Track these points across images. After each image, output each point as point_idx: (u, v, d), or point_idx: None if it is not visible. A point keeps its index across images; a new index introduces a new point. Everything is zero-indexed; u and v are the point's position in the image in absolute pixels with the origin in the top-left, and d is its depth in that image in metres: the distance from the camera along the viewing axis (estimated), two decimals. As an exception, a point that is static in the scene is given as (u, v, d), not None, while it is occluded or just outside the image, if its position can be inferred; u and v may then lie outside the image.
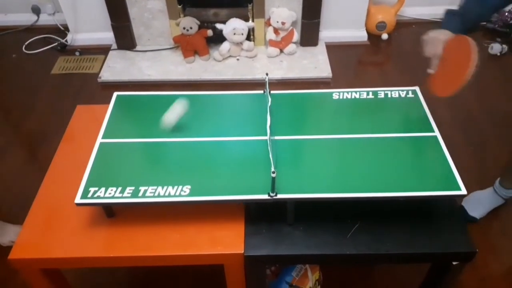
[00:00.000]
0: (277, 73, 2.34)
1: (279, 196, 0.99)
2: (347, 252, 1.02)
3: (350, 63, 2.49)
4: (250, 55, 2.44)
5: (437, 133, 1.15)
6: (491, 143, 1.95)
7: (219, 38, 2.39)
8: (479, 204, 1.64)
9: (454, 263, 1.06)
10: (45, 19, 2.72)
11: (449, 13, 1.19)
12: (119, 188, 1.01)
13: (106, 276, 1.48)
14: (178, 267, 1.06)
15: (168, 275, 1.46)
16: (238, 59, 2.44)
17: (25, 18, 2.71)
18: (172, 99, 1.28)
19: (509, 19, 2.57)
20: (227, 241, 1.03)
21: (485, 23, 2.63)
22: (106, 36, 2.51)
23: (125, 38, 2.48)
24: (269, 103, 1.10)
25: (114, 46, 2.53)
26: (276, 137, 1.12)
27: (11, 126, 2.12)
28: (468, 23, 1.16)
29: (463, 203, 1.66)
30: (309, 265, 1.31)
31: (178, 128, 1.17)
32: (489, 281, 1.46)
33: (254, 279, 1.10)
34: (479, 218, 1.63)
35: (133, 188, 1.01)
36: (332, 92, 1.29)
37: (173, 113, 1.15)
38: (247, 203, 1.08)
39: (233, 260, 1.03)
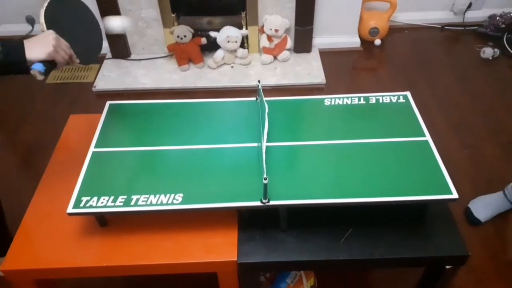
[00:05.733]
0: (271, 80, 2.36)
1: (272, 202, 0.99)
2: (341, 258, 1.02)
3: (343, 69, 2.51)
4: (244, 62, 2.45)
5: (428, 137, 1.15)
6: (485, 147, 1.96)
7: (213, 46, 2.41)
8: (486, 207, 1.63)
9: (447, 267, 1.06)
10: (39, 29, 2.72)
11: None
12: (111, 197, 1.01)
13: (100, 285, 1.47)
14: (172, 275, 1.06)
15: (163, 283, 1.46)
16: (232, 67, 2.45)
17: (20, 29, 2.71)
18: (164, 107, 1.29)
19: (500, 23, 2.59)
20: (220, 249, 1.03)
21: (476, 27, 2.65)
22: (101, 45, 2.52)
23: (120, 47, 2.49)
24: (267, 110, 1.11)
25: (109, 55, 2.53)
26: (268, 144, 1.13)
27: (5, 135, 2.11)
28: None
29: (470, 205, 1.65)
30: (304, 271, 1.31)
31: (171, 136, 1.18)
32: (485, 283, 1.46)
33: (248, 286, 1.10)
34: (484, 221, 1.61)
35: (125, 197, 1.01)
36: (324, 98, 1.30)
37: (117, 22, 1.12)
38: (240, 210, 1.08)
39: (227, 268, 1.03)
